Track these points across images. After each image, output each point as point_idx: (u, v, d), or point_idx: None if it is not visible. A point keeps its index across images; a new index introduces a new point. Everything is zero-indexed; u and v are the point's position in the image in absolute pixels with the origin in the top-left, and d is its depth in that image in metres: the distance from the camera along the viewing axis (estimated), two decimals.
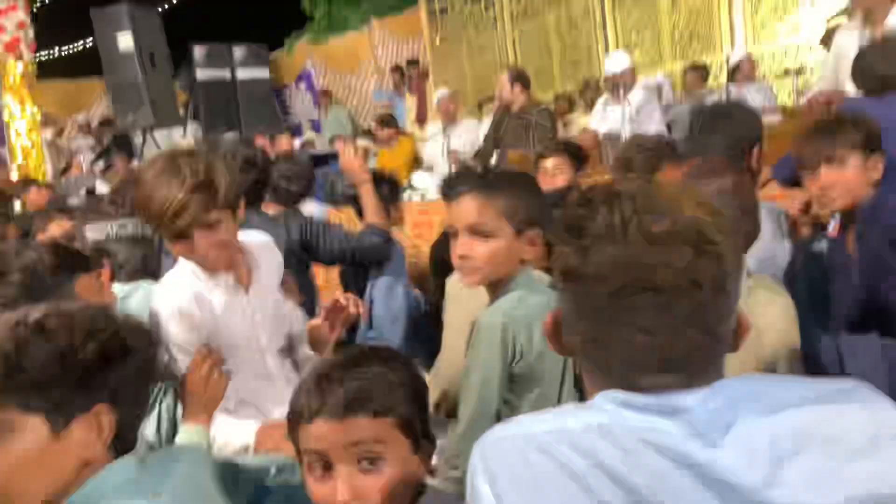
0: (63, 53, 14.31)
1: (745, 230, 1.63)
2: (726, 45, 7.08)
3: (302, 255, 2.76)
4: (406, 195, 4.77)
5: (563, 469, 0.75)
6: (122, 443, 1.11)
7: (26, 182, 7.04)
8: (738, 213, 1.59)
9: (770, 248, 2.21)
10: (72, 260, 1.65)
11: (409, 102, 9.84)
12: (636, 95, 5.23)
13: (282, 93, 12.73)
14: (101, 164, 9.59)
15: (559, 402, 1.67)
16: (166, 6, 11.80)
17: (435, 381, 2.26)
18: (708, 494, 0.74)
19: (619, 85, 5.27)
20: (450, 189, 1.70)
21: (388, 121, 7.83)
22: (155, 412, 1.73)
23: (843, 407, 0.78)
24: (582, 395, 0.85)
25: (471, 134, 6.55)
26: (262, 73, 11.34)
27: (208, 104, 10.42)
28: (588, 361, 0.85)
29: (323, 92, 11.64)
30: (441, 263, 3.30)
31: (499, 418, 1.60)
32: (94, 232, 2.25)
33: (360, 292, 3.15)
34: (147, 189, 1.66)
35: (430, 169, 6.31)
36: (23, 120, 9.51)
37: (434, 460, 1.36)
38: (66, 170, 9.55)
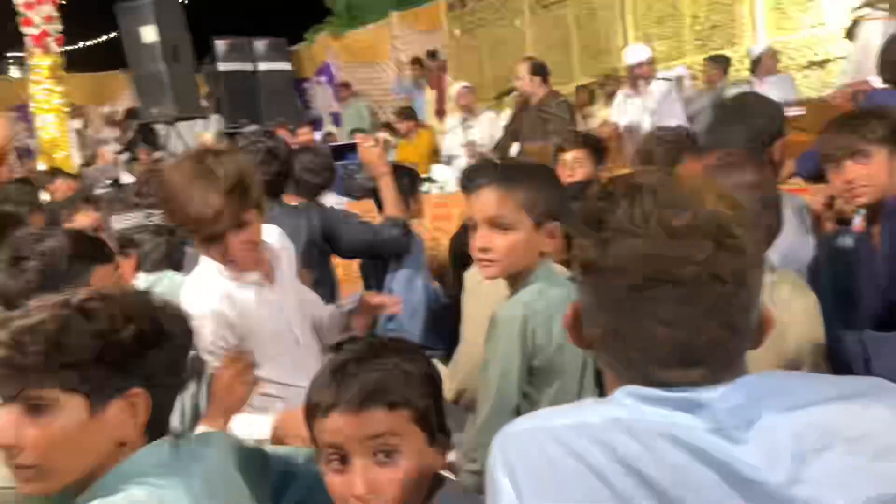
0: (89, 46, 14.46)
1: (766, 224, 1.62)
2: (748, 37, 7.00)
3: (323, 246, 2.78)
4: (425, 188, 4.77)
5: (582, 462, 0.75)
6: (156, 426, 1.14)
7: (53, 172, 7.13)
8: (759, 207, 1.58)
9: (794, 243, 2.19)
10: (90, 250, 1.65)
11: (429, 95, 9.83)
12: (656, 88, 5.19)
13: (302, 86, 12.77)
14: (126, 155, 9.69)
15: (579, 396, 1.67)
16: None
17: (454, 374, 2.27)
18: (730, 490, 0.73)
19: (639, 77, 5.24)
20: (469, 181, 1.70)
21: (408, 113, 7.84)
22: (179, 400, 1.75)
23: (867, 405, 0.77)
24: (602, 391, 0.85)
25: (490, 126, 6.54)
26: (284, 65, 11.41)
27: (230, 97, 10.51)
28: (608, 355, 0.84)
29: (343, 85, 11.66)
30: (460, 256, 3.30)
31: (518, 412, 1.60)
32: (120, 222, 2.28)
33: (380, 285, 3.16)
34: (180, 195, 1.64)
35: (449, 161, 6.31)
36: (50, 112, 9.62)
37: (452, 454, 1.37)
38: (91, 160, 9.65)
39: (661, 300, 0.77)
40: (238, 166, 1.68)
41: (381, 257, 3.06)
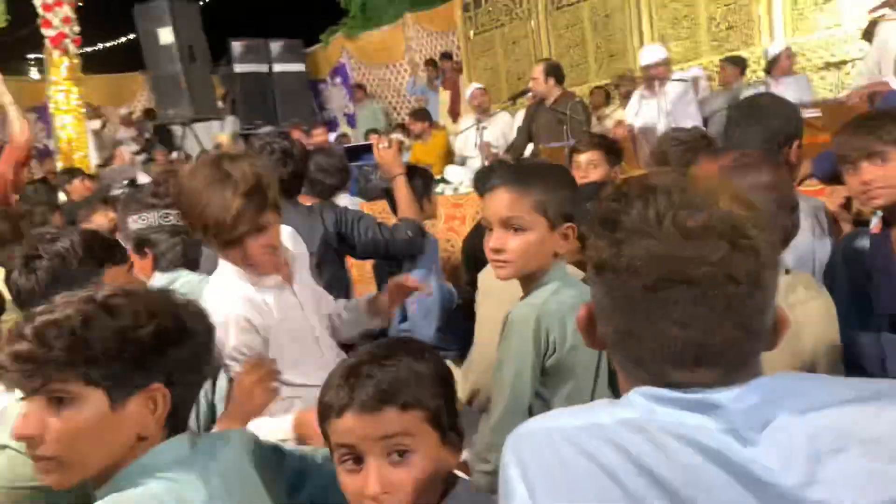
0: (107, 48, 14.58)
1: (782, 225, 1.61)
2: (765, 37, 6.95)
3: (338, 247, 2.79)
4: (439, 189, 4.77)
5: (594, 462, 0.75)
6: (176, 422, 1.16)
7: (71, 172, 7.19)
8: (774, 208, 1.57)
9: (810, 245, 2.18)
10: (103, 251, 1.66)
11: (443, 96, 9.84)
12: (672, 89, 5.16)
13: (317, 87, 12.82)
14: (143, 155, 9.78)
15: (592, 397, 1.67)
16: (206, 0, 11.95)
17: (467, 374, 2.28)
18: (743, 492, 0.73)
19: (654, 78, 5.22)
20: (483, 183, 1.70)
21: (422, 115, 7.85)
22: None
23: (883, 406, 0.77)
24: (616, 392, 0.85)
25: (504, 127, 6.54)
26: (299, 67, 11.47)
27: (245, 97, 10.58)
28: (621, 355, 0.84)
29: (357, 86, 11.70)
30: (473, 257, 3.31)
31: (531, 413, 1.60)
32: (137, 222, 2.29)
33: None
34: (199, 199, 1.64)
35: (463, 162, 6.31)
36: (68, 113, 9.72)
37: (465, 454, 1.38)
38: (108, 161, 9.74)
39: (675, 301, 0.77)
40: (255, 170, 1.68)
41: (394, 258, 3.07)
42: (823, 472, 0.73)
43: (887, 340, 1.89)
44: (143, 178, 7.09)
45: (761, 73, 6.39)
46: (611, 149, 3.27)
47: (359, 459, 1.10)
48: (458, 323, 3.24)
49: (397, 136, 7.50)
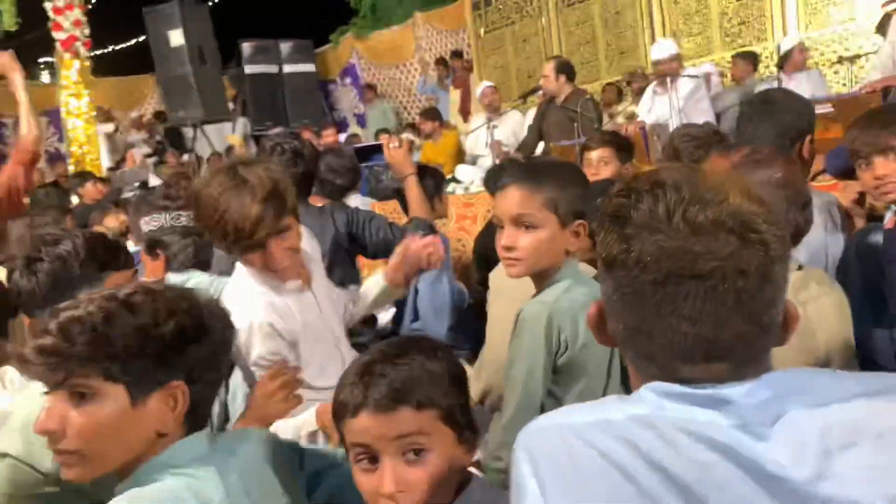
0: (117, 50, 14.68)
1: (794, 221, 1.60)
2: (778, 32, 6.91)
3: (349, 246, 2.79)
4: (450, 188, 4.77)
5: (606, 459, 0.75)
6: (195, 419, 1.17)
7: (83, 176, 7.25)
8: (787, 204, 1.57)
9: (822, 241, 2.16)
10: (105, 255, 1.65)
11: (454, 95, 9.84)
12: (683, 85, 5.14)
13: (327, 87, 12.85)
14: (154, 158, 9.82)
15: (604, 395, 1.66)
16: (216, 0, 12.00)
17: (479, 374, 2.28)
18: (755, 487, 0.73)
19: (666, 73, 5.19)
20: (495, 181, 1.70)
21: (433, 114, 7.86)
22: None
23: (894, 401, 0.76)
24: (628, 391, 0.84)
25: (515, 125, 6.53)
26: (308, 67, 11.49)
27: (255, 99, 10.60)
28: (631, 351, 0.84)
29: (367, 86, 11.72)
30: (484, 256, 3.31)
31: (543, 411, 1.59)
32: (148, 224, 2.31)
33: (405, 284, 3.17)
34: (218, 206, 1.64)
35: (474, 161, 6.31)
36: (79, 116, 9.79)
37: (477, 453, 1.37)
38: (119, 164, 9.80)
39: (684, 296, 0.76)
40: (271, 174, 1.68)
41: None
42: (834, 466, 0.73)
43: None
44: (155, 181, 7.13)
45: (774, 69, 6.34)
46: (622, 145, 3.26)
47: (374, 459, 1.10)
48: (470, 322, 3.24)
49: (408, 135, 7.51)
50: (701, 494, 0.73)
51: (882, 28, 5.30)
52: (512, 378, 1.64)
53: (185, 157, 9.32)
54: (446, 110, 9.45)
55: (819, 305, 1.60)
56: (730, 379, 0.78)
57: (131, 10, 9.77)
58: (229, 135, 9.95)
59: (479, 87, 7.08)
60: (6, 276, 1.72)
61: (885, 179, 1.96)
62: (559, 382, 1.65)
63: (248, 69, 10.65)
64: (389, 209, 4.24)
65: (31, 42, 10.55)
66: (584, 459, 0.76)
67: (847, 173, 2.40)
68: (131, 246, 3.33)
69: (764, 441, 0.74)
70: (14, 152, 3.42)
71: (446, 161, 6.79)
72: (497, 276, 2.30)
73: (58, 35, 9.58)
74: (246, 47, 10.70)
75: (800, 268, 1.67)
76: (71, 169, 9.54)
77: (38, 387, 1.12)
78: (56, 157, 11.32)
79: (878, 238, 2.03)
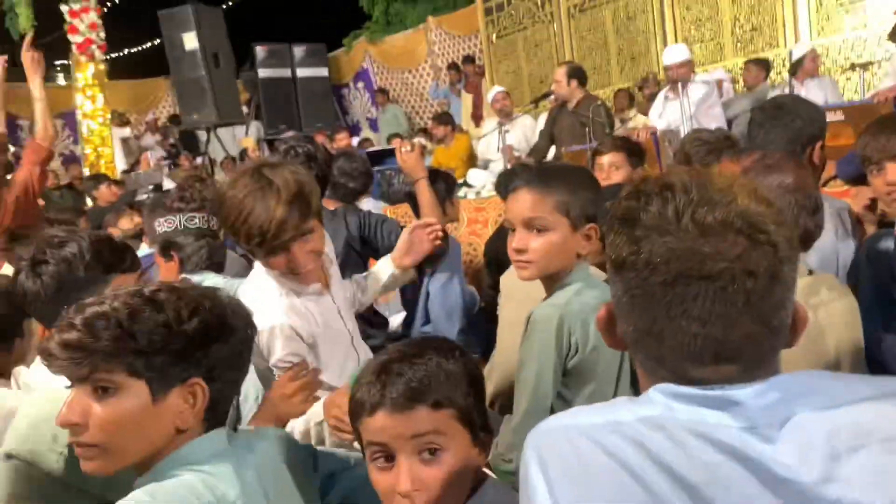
0: (132, 53, 14.78)
1: (805, 226, 1.61)
2: (790, 39, 6.89)
3: (361, 249, 2.81)
4: (462, 192, 4.78)
5: (615, 460, 0.76)
6: (214, 416, 1.19)
7: (97, 178, 7.30)
8: (797, 209, 1.57)
9: (833, 246, 2.16)
10: (111, 258, 1.64)
11: (466, 100, 9.86)
12: (695, 91, 5.14)
13: (340, 91, 12.90)
14: (168, 160, 9.88)
15: (614, 398, 1.66)
16: (230, 3, 12.07)
17: (489, 377, 2.28)
18: (762, 489, 0.73)
19: (677, 79, 5.19)
20: (506, 185, 1.70)
21: (445, 118, 7.88)
22: None
23: None
24: (637, 394, 0.85)
25: (526, 130, 6.54)
26: (321, 71, 11.53)
27: (269, 102, 10.64)
28: (641, 353, 0.85)
29: (379, 90, 11.75)
30: (495, 260, 3.31)
31: (552, 413, 1.60)
32: (162, 226, 2.33)
33: (416, 288, 3.19)
34: (243, 209, 1.64)
35: (485, 166, 6.32)
36: (94, 118, 9.87)
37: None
38: (134, 166, 9.87)
39: (693, 297, 0.77)
40: (297, 176, 1.68)
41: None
42: (842, 469, 0.73)
43: None
44: (169, 184, 7.17)
45: (786, 76, 6.33)
46: (633, 150, 3.26)
47: (390, 457, 1.11)
48: (481, 326, 3.25)
49: (420, 140, 7.53)
50: (709, 496, 0.73)
51: (894, 35, 5.28)
52: (522, 380, 1.64)
53: (199, 160, 9.37)
54: (458, 115, 9.47)
55: (829, 310, 1.60)
56: (739, 380, 0.78)
57: (147, 14, 9.84)
58: (243, 138, 10.01)
59: (491, 91, 7.10)
60: (13, 276, 1.72)
61: None
62: (569, 385, 1.65)
63: (262, 73, 10.69)
64: (401, 213, 4.26)
65: (46, 44, 10.65)
66: (592, 460, 0.77)
67: (858, 179, 2.40)
68: (145, 248, 3.36)
69: (772, 443, 0.75)
70: (28, 152, 3.45)
71: (458, 165, 6.81)
72: (508, 280, 2.31)
73: (74, 38, 9.67)
74: (259, 51, 10.76)
75: (810, 273, 1.67)
76: (86, 171, 9.61)
77: (46, 389, 1.13)
78: (71, 160, 11.41)
79: (888, 244, 2.03)
